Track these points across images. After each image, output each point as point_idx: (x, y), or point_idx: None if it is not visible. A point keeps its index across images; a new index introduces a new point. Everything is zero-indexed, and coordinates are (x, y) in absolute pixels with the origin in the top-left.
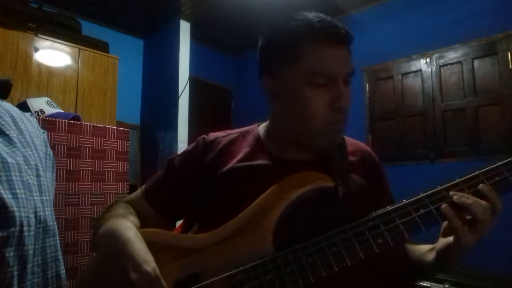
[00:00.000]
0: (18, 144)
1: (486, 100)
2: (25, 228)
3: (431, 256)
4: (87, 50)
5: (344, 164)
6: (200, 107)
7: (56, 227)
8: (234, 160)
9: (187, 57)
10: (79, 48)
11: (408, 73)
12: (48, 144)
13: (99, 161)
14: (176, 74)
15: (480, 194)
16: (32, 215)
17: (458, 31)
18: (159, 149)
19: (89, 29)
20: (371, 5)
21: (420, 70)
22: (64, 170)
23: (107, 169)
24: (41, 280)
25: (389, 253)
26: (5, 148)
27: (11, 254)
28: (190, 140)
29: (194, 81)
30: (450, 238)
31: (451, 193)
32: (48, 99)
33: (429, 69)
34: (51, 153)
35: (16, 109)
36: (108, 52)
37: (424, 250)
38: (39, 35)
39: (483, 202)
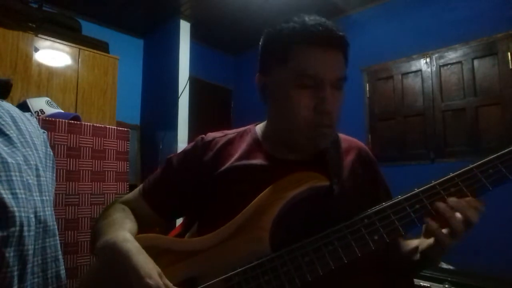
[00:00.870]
0: (18, 144)
1: (486, 100)
2: (25, 228)
3: (416, 256)
4: (87, 50)
5: (339, 162)
6: (200, 107)
7: (56, 227)
8: (232, 160)
9: (187, 57)
10: (79, 48)
11: (408, 73)
12: (48, 144)
13: (99, 161)
14: (176, 74)
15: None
16: (32, 215)
17: (458, 31)
18: (159, 149)
19: (89, 29)
20: (371, 5)
21: (420, 70)
22: (64, 170)
23: (107, 169)
24: (41, 280)
25: (386, 250)
26: (5, 148)
27: (11, 254)
28: (190, 140)
29: (194, 81)
30: (431, 240)
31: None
32: (48, 99)
33: (429, 69)
34: (51, 153)
35: (16, 109)
36: (108, 52)
37: (409, 248)
38: (39, 35)
39: (458, 216)
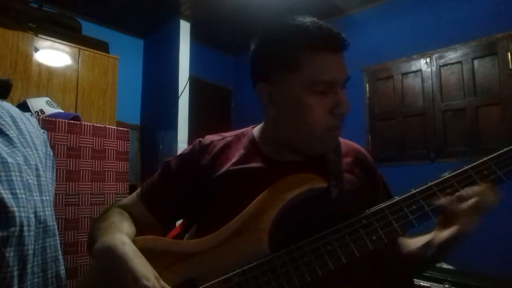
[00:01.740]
0: (18, 144)
1: (486, 100)
2: (25, 228)
3: (430, 250)
4: (87, 50)
5: (338, 165)
6: (200, 107)
7: (56, 227)
8: (230, 163)
9: (187, 57)
10: (79, 48)
11: (408, 73)
12: (48, 144)
13: (99, 161)
14: (176, 74)
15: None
16: (32, 215)
17: (458, 31)
18: (159, 149)
19: (89, 29)
20: (371, 5)
21: (420, 70)
22: (64, 170)
23: (107, 169)
24: (41, 280)
25: (385, 250)
26: (5, 148)
27: (11, 254)
28: (190, 140)
29: (194, 81)
30: (452, 229)
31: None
32: (48, 99)
33: (429, 69)
34: (51, 153)
35: (16, 109)
36: (108, 52)
37: (419, 245)
38: (39, 35)
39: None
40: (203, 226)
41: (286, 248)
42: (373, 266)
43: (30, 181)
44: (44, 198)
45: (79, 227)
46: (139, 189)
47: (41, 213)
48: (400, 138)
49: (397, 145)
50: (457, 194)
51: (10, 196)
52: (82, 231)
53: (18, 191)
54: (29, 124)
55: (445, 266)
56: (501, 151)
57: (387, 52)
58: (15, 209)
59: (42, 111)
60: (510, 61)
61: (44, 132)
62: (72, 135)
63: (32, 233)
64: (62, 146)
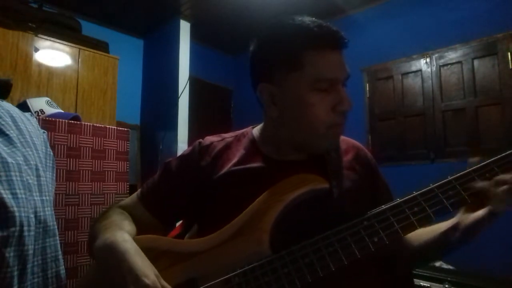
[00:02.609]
0: (18, 144)
1: (486, 100)
2: (25, 228)
3: (456, 234)
4: (87, 50)
5: (339, 163)
6: (200, 107)
7: (56, 227)
8: (230, 164)
9: (187, 57)
10: (79, 48)
11: (408, 73)
12: (48, 144)
13: (99, 161)
14: (176, 74)
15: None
16: (32, 215)
17: (458, 31)
18: (159, 149)
19: (89, 29)
20: (371, 5)
21: (420, 70)
22: (64, 170)
23: (107, 169)
24: (41, 280)
25: (386, 251)
26: (5, 148)
27: (11, 254)
28: (190, 140)
29: (194, 81)
30: (483, 211)
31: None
32: (48, 99)
33: (429, 69)
34: (51, 153)
35: (16, 109)
36: (108, 52)
37: (443, 230)
38: (39, 35)
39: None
40: (204, 226)
41: (287, 248)
42: (374, 266)
43: (30, 181)
44: (44, 198)
45: (79, 227)
46: (139, 190)
47: (41, 213)
48: (400, 138)
49: (397, 145)
50: (496, 178)
51: (10, 196)
52: (82, 231)
53: (18, 191)
54: (29, 124)
55: (445, 266)
56: (503, 154)
57: (387, 52)
58: (15, 209)
59: (42, 111)
60: (510, 61)
61: (44, 132)
62: (72, 135)
63: (32, 233)
64: (62, 146)
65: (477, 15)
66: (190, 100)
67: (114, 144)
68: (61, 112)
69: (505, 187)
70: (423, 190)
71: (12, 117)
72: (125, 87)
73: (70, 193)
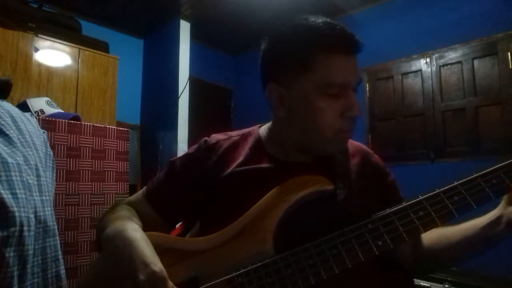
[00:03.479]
0: (18, 144)
1: (486, 100)
2: (25, 228)
3: (499, 227)
4: (87, 50)
5: (346, 167)
6: (200, 107)
7: (56, 227)
8: (236, 163)
9: (187, 57)
10: (79, 48)
11: (408, 73)
12: (48, 144)
13: (99, 161)
14: (176, 74)
15: None
16: (32, 215)
17: (458, 31)
18: (159, 149)
19: (89, 29)
20: (371, 5)
21: (420, 70)
22: (64, 170)
23: (107, 169)
24: (41, 280)
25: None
26: (5, 148)
27: (11, 254)
28: (190, 140)
29: (194, 81)
30: None
31: None
32: (48, 99)
33: (429, 69)
34: (51, 153)
35: (16, 109)
36: (108, 52)
37: (484, 224)
38: (39, 35)
39: None
40: (207, 226)
41: (290, 249)
42: (377, 268)
43: (30, 181)
44: (44, 198)
45: (79, 227)
46: (144, 188)
47: (41, 213)
48: (400, 138)
49: (397, 145)
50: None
51: (10, 196)
52: (82, 231)
53: (18, 191)
54: (29, 124)
55: None
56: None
57: (387, 52)
58: (15, 209)
59: (42, 111)
60: (510, 61)
61: (44, 132)
62: (72, 135)
63: (32, 233)
64: (62, 146)
65: (477, 15)
66: (190, 100)
67: (114, 144)
68: (61, 112)
69: None
70: (428, 195)
71: (12, 117)
72: (125, 87)
73: (70, 193)
